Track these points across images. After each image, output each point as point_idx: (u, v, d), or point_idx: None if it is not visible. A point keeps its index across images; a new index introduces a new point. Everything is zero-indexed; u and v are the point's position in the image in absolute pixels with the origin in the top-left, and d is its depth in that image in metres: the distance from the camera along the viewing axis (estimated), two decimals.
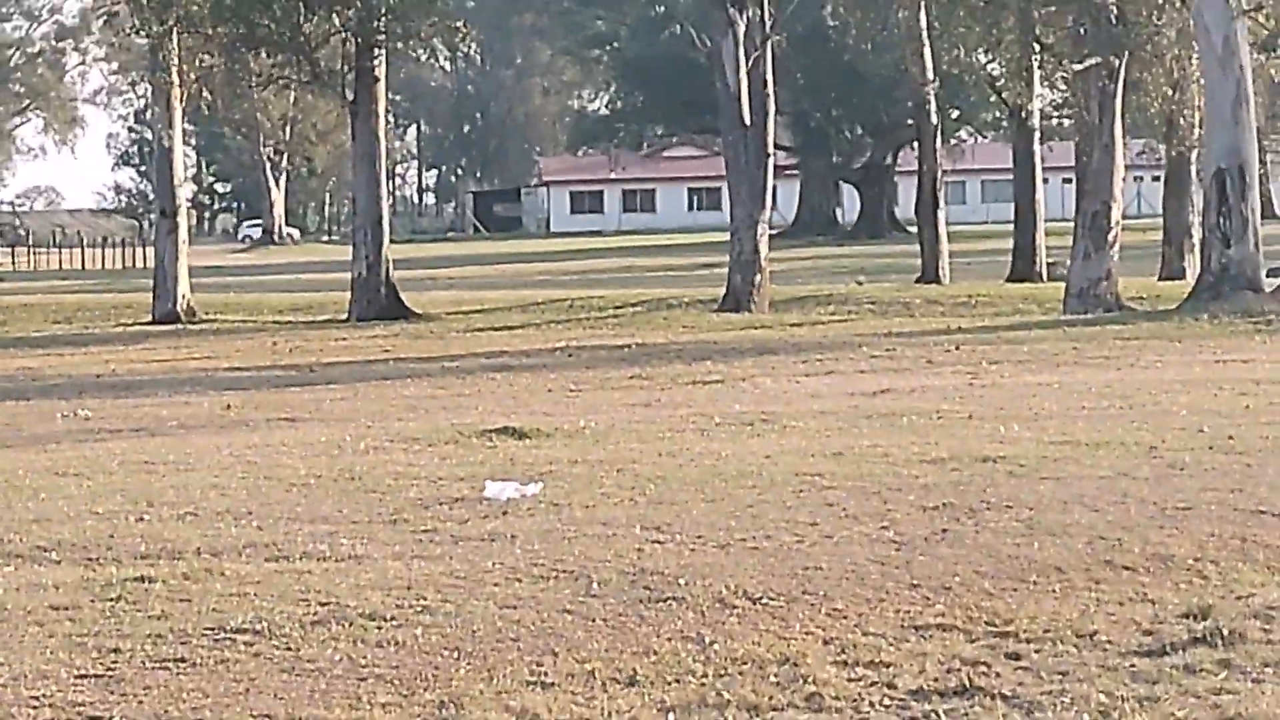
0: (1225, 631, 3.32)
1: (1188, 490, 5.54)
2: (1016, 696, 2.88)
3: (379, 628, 3.49)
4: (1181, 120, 17.08)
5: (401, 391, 10.93)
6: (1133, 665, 3.13)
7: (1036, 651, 3.26)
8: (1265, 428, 7.48)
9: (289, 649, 3.30)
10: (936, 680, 3.06)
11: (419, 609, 3.73)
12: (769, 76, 15.66)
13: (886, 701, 2.95)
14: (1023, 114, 18.65)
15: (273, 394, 10.93)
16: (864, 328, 15.41)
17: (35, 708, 2.77)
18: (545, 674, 3.11)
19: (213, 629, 3.47)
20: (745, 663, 3.27)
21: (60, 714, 2.74)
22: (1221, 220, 13.88)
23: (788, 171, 25.45)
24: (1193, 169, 17.37)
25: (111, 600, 3.84)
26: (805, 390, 10.05)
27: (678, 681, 3.10)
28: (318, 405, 10.12)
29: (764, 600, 3.91)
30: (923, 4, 17.69)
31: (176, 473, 6.76)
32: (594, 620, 3.73)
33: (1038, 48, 16.31)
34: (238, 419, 9.30)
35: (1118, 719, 2.61)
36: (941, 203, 20.63)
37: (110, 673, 3.06)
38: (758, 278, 16.36)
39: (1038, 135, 19.72)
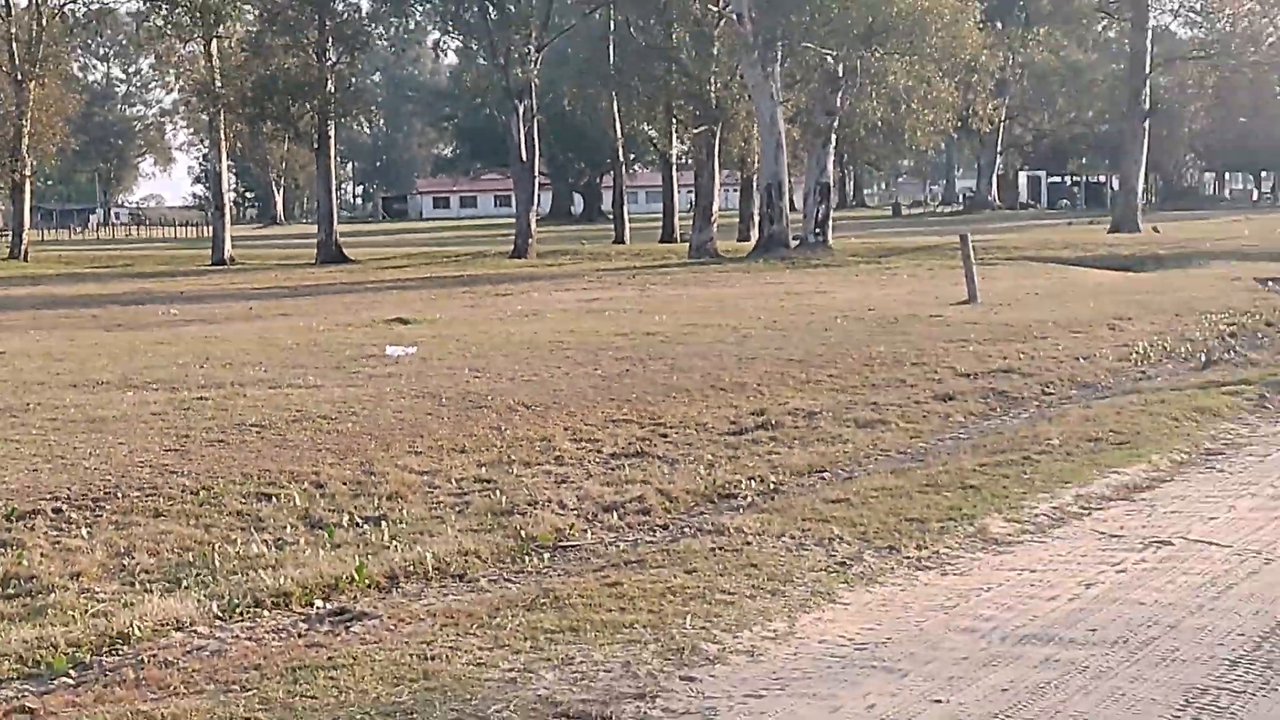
0: (773, 421, 6.43)
1: (754, 349, 9.78)
2: (666, 456, 5.80)
3: (328, 422, 6.65)
4: (749, 158, 30.94)
5: (342, 300, 18.18)
6: (725, 439, 6.18)
7: (676, 434, 6.35)
8: (793, 316, 12.79)
9: (279, 435, 6.44)
10: (624, 448, 5.97)
11: (350, 413, 6.95)
12: (535, 134, 28.98)
13: (597, 459, 5.75)
14: (667, 155, 33.70)
15: (274, 302, 17.90)
16: (586, 267, 24.92)
17: (139, 468, 5.57)
18: (416, 447, 5.86)
19: (239, 424, 6.58)
20: (523, 440, 6.05)
21: (154, 470, 5.48)
22: (769, 211, 25.50)
23: (545, 185, 42.37)
24: (754, 184, 31.46)
25: (184, 409, 7.03)
26: (555, 299, 16.50)
27: (487, 450, 5.71)
28: (298, 307, 16.63)
29: (533, 408, 7.27)
30: (614, 96, 31.79)
31: (222, 343, 11.32)
32: (442, 418, 6.97)
33: (675, 120, 31.13)
34: (255, 314, 15.54)
35: (717, 467, 5.47)
36: (625, 201, 36.54)
37: (182, 448, 5.99)
38: (530, 240, 28.29)
39: (674, 167, 34.93)
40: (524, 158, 27.54)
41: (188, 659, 2.79)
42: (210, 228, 34.28)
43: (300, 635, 3.02)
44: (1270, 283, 15.29)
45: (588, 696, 2.41)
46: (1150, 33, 30.13)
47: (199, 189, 75.20)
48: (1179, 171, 56.29)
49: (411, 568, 3.67)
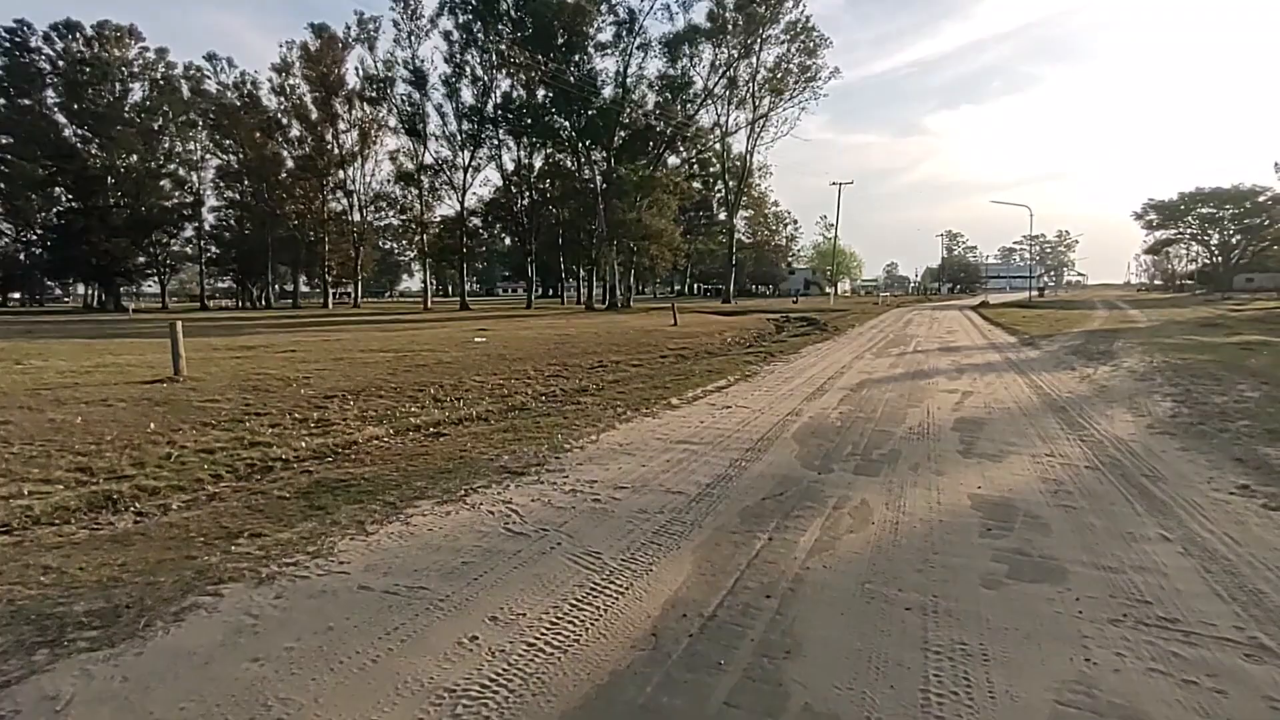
0: (603, 364, 12.50)
1: (601, 340, 16.36)
2: (566, 376, 11.03)
3: (446, 366, 12.72)
4: (607, 275, 58.11)
5: (459, 322, 33.60)
6: (587, 371, 11.60)
7: (570, 370, 11.48)
8: (614, 330, 22.37)
9: (430, 369, 12.70)
10: (550, 373, 10.94)
11: (455, 362, 13.84)
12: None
13: (540, 377, 10.75)
14: (577, 273, 64.47)
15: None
16: (550, 311, 46.94)
17: (375, 381, 11.57)
18: (476, 375, 10.44)
19: (416, 365, 13.79)
20: (515, 371, 10.81)
21: (381, 382, 11.43)
22: (611, 294, 54.55)
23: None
24: (607, 284, 53.49)
25: (400, 359, 15.11)
26: (539, 323, 41.72)
27: (502, 375, 10.61)
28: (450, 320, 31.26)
29: (522, 359, 12.14)
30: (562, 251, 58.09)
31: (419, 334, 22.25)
32: (488, 365, 11.53)
33: (585, 260, 61.29)
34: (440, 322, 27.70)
35: (582, 380, 10.77)
36: (565, 288, 51.85)
37: (393, 373, 12.09)
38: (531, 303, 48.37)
39: (580, 277, 59.67)
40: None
41: (379, 451, 7.55)
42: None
43: (421, 441, 7.83)
44: (774, 317, 32.97)
45: (519, 465, 7.24)
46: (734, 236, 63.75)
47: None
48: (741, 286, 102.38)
49: (466, 417, 8.62)
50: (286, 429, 8.36)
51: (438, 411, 9.60)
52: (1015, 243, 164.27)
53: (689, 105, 55.25)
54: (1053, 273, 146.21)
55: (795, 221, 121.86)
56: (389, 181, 63.73)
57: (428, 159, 59.70)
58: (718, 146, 66.47)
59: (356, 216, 66.48)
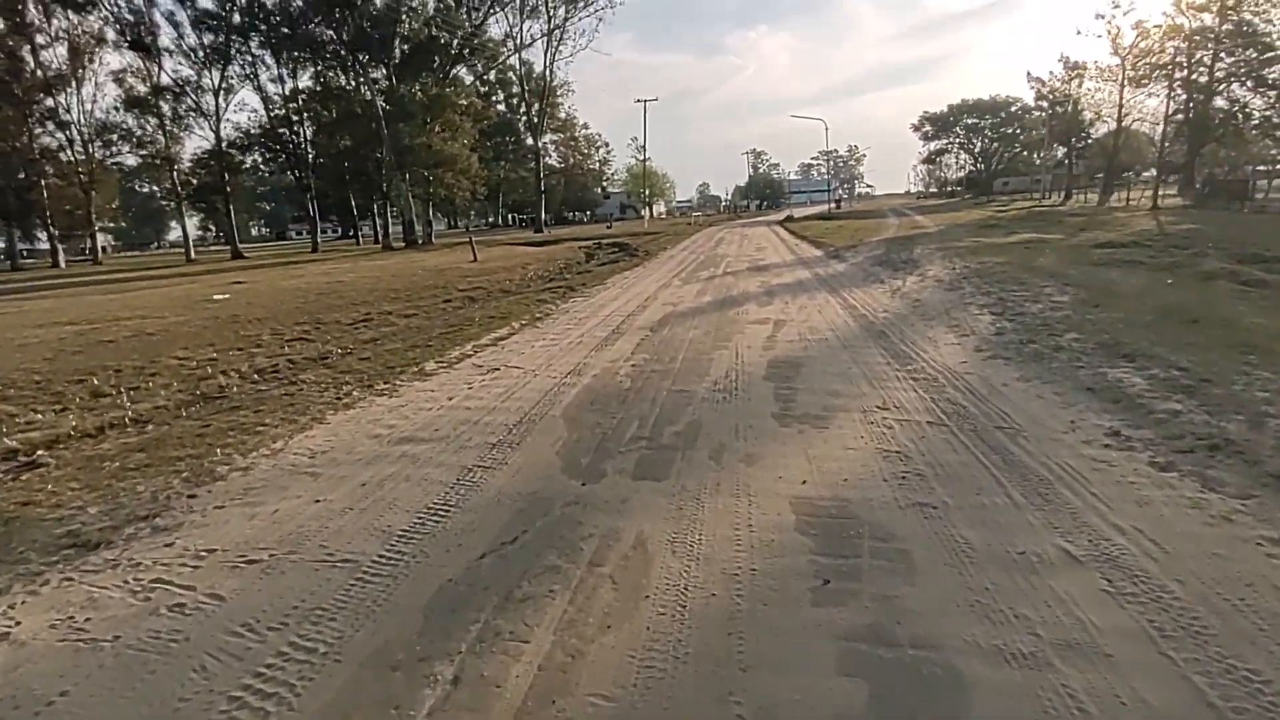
0: (371, 317, 9.40)
1: (380, 287, 12.72)
2: (319, 337, 7.97)
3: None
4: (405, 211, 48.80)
5: None
6: (349, 330, 8.62)
7: (324, 327, 8.40)
8: (404, 271, 18.45)
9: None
10: (297, 335, 7.83)
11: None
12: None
13: (282, 338, 7.60)
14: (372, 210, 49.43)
15: None
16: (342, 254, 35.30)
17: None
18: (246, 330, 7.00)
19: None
20: (249, 334, 7.54)
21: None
22: (410, 230, 45.05)
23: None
24: (404, 219, 46.50)
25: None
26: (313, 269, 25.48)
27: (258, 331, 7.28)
28: None
29: (261, 320, 8.44)
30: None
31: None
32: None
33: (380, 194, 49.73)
34: None
35: (344, 341, 7.84)
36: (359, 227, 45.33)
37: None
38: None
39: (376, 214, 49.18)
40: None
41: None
42: None
43: None
44: (586, 244, 31.82)
45: (106, 524, 4.49)
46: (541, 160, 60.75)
47: None
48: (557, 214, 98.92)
49: (110, 424, 5.54)
50: None
51: (72, 418, 6.45)
52: (812, 159, 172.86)
53: (474, 14, 49.79)
54: (846, 186, 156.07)
55: (607, 145, 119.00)
56: (117, 109, 52.58)
57: (165, 80, 49.94)
58: (514, 62, 61.62)
59: (81, 154, 54.42)
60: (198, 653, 2.86)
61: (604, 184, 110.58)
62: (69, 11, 49.73)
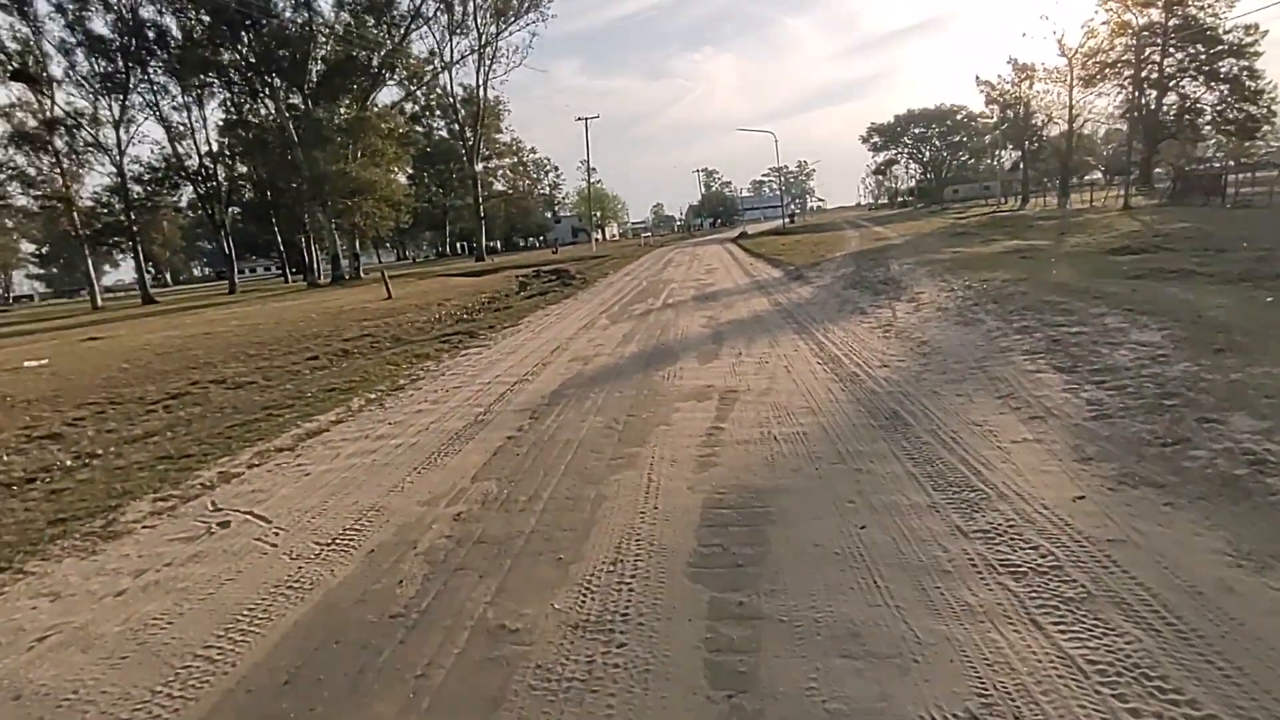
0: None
1: (302, 328, 8.30)
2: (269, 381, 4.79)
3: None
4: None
5: None
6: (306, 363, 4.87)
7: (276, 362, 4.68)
8: (323, 311, 13.33)
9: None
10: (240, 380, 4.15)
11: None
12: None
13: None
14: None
15: None
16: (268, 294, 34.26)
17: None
18: None
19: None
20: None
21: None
22: (337, 266, 40.46)
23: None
24: (330, 254, 44.17)
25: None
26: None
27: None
28: None
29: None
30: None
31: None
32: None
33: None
34: None
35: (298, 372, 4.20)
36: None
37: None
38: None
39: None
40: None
41: None
42: None
43: None
44: (524, 273, 28.97)
45: None
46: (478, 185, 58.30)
47: None
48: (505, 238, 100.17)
49: None
50: None
51: None
52: (764, 175, 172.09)
53: (395, 30, 46.22)
54: (798, 200, 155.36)
55: (557, 168, 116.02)
56: (4, 147, 47.68)
57: (58, 112, 45.33)
58: (445, 81, 58.21)
59: None
60: None
61: (554, 208, 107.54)
62: None
